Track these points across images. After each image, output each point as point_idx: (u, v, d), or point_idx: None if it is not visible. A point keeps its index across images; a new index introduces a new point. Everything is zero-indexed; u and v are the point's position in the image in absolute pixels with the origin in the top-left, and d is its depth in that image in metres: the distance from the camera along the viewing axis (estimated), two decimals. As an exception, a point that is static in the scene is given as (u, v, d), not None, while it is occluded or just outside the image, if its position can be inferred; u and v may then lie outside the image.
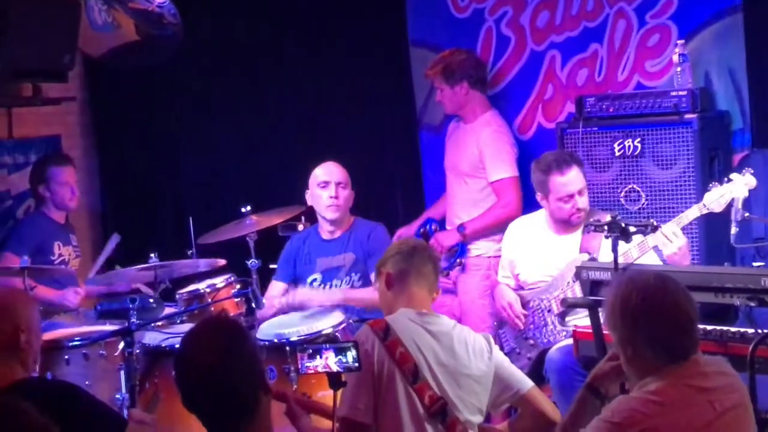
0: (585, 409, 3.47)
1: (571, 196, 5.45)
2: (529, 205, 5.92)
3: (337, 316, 5.41)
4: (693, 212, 5.02)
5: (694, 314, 3.21)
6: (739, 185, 4.88)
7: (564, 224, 5.52)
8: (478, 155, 6.21)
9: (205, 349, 2.87)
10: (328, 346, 3.41)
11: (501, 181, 6.15)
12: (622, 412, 3.14)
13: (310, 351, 3.40)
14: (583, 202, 5.47)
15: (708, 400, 3.16)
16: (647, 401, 3.14)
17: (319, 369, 3.39)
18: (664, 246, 4.98)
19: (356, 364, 3.39)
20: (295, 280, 5.97)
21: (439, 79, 6.31)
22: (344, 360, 3.38)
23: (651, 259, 5.09)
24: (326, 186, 5.87)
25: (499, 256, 6.04)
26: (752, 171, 4.90)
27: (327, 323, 5.30)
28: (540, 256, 5.58)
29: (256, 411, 2.84)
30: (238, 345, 2.87)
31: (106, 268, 6.46)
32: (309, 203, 5.96)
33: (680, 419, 3.11)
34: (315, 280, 5.88)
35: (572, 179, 5.44)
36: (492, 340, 4.06)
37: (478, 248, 6.24)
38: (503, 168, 6.16)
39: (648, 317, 3.17)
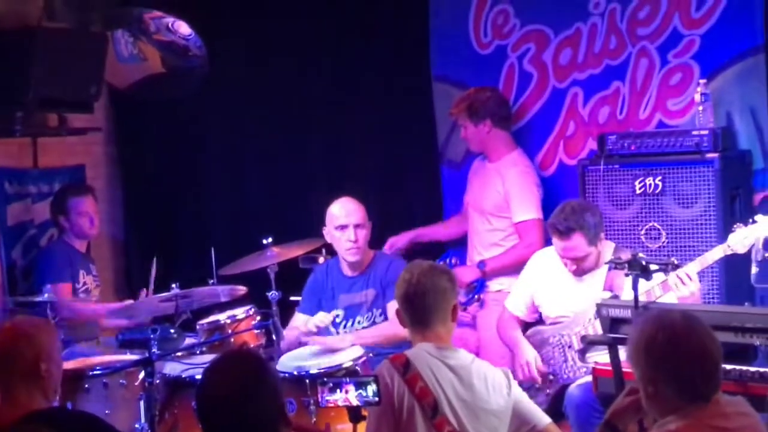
0: None
1: (568, 259, 5.51)
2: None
3: (357, 350, 5.41)
4: (717, 253, 5.01)
5: (719, 356, 3.20)
6: (764, 226, 4.87)
7: None
8: (504, 195, 6.23)
9: (226, 382, 2.89)
10: (348, 380, 3.41)
11: (525, 223, 6.17)
12: None
13: (331, 385, 3.40)
14: (582, 264, 5.50)
15: None
16: None
17: (339, 403, 3.39)
18: (677, 288, 4.97)
19: (376, 398, 3.40)
20: None
21: (464, 116, 6.34)
22: (364, 394, 3.39)
23: (674, 298, 5.08)
24: (345, 229, 5.81)
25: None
26: None
27: (347, 356, 5.30)
28: (563, 291, 5.59)
29: None
30: (259, 379, 2.89)
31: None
32: (327, 240, 5.94)
33: None
34: (338, 316, 5.87)
35: (565, 246, 5.47)
36: (511, 375, 4.06)
37: (501, 283, 6.25)
38: (528, 209, 6.18)
39: (673, 358, 3.16)
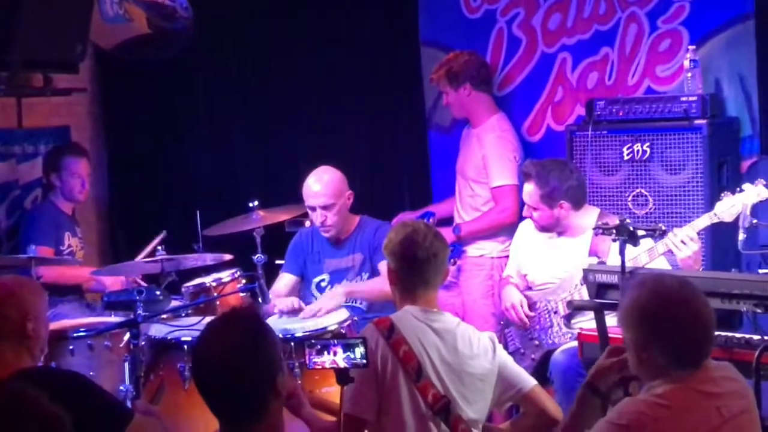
0: (585, 409, 3.48)
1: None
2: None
3: (342, 313, 5.42)
4: (703, 221, 5.01)
5: (713, 322, 3.22)
6: (751, 195, 4.87)
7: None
8: (482, 160, 6.23)
9: (221, 344, 2.86)
10: (336, 342, 3.39)
11: (501, 188, 6.18)
12: (630, 415, 3.15)
13: (318, 347, 3.38)
14: (538, 219, 5.56)
15: (716, 406, 3.16)
16: (654, 404, 3.14)
17: (327, 365, 3.38)
18: (679, 250, 4.96)
19: (364, 361, 3.38)
20: (303, 275, 5.96)
21: (444, 82, 6.33)
22: (352, 356, 3.37)
23: (660, 266, 5.08)
24: (313, 210, 5.78)
25: (503, 257, 6.07)
26: (765, 182, 4.88)
27: (332, 320, 5.31)
28: (549, 258, 5.60)
29: (265, 411, 2.83)
30: (255, 344, 2.86)
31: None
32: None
33: (687, 424, 3.12)
34: (323, 280, 5.87)
35: (524, 191, 5.58)
36: (496, 339, 4.06)
37: (482, 248, 6.26)
38: (503, 175, 6.18)
39: (669, 325, 3.17)
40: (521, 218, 5.87)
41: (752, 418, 3.25)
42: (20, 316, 3.61)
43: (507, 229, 6.15)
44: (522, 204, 5.73)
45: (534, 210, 5.54)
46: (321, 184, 5.74)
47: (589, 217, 5.49)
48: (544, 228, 5.59)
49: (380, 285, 5.45)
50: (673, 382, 3.16)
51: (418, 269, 3.97)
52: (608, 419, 3.20)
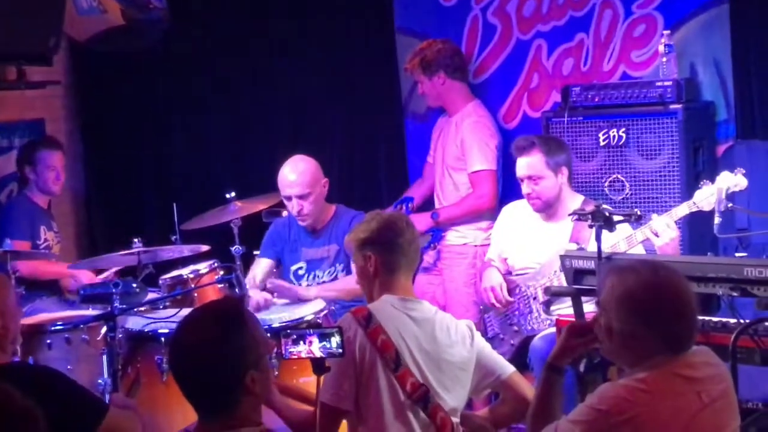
0: (551, 390, 3.49)
1: (522, 179, 5.52)
2: (515, 195, 5.91)
3: (319, 303, 5.41)
4: (682, 209, 5.01)
5: (697, 307, 3.24)
6: (727, 179, 4.87)
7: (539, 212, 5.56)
8: (460, 147, 6.22)
9: (193, 334, 2.85)
10: (312, 331, 3.38)
11: (478, 173, 6.17)
12: (609, 400, 3.15)
13: (294, 336, 3.36)
14: (535, 188, 5.50)
15: (696, 391, 3.17)
16: (635, 389, 3.14)
17: (303, 354, 3.36)
18: (657, 237, 4.97)
19: (340, 350, 3.38)
20: (280, 261, 5.95)
21: (418, 71, 6.32)
22: (328, 345, 3.36)
23: (641, 251, 5.10)
24: (289, 200, 5.75)
25: (486, 245, 6.06)
26: (744, 171, 4.88)
27: (309, 310, 5.31)
28: (529, 243, 5.60)
29: (235, 405, 2.81)
30: (226, 336, 2.84)
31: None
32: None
33: (667, 409, 3.12)
34: (300, 268, 5.86)
35: (523, 164, 5.50)
36: (474, 327, 4.04)
37: (465, 236, 6.26)
38: (480, 160, 6.17)
39: (661, 314, 3.18)
40: (504, 203, 5.88)
41: (731, 402, 3.26)
42: None
43: (485, 215, 6.15)
44: (500, 190, 5.72)
45: (539, 181, 5.48)
46: (296, 174, 5.71)
47: (574, 202, 5.49)
48: (546, 204, 5.52)
49: (352, 283, 5.44)
50: (655, 367, 3.16)
51: (402, 255, 3.96)
52: (588, 404, 3.20)
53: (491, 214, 6.07)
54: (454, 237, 6.30)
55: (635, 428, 3.11)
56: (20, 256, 5.95)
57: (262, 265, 5.92)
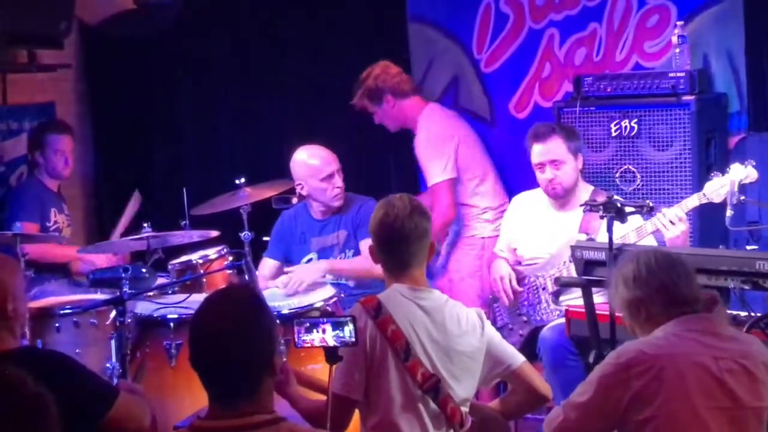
0: None
1: (542, 165, 5.48)
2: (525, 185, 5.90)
3: (329, 290, 5.41)
4: (693, 201, 5.00)
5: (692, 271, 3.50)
6: (739, 174, 4.86)
7: (555, 200, 5.54)
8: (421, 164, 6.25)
9: (222, 317, 2.82)
10: (325, 319, 3.35)
11: (433, 187, 6.15)
12: (628, 353, 3.30)
13: (307, 324, 3.34)
14: (557, 173, 5.48)
15: (713, 356, 3.28)
16: (652, 343, 3.32)
17: (316, 343, 3.34)
18: (667, 229, 4.96)
19: (353, 339, 3.36)
20: (287, 259, 5.94)
21: (366, 103, 6.29)
22: (341, 334, 3.34)
23: (648, 244, 5.08)
24: (332, 178, 5.78)
25: (493, 236, 6.05)
26: (754, 163, 4.87)
27: (318, 297, 5.31)
28: (539, 233, 5.59)
29: (258, 388, 2.80)
30: (256, 318, 2.83)
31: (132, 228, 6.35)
32: (305, 193, 5.86)
33: (685, 363, 3.25)
34: (311, 260, 5.86)
35: (543, 150, 5.47)
36: (484, 316, 4.00)
37: (474, 229, 6.24)
38: (433, 172, 6.15)
39: (649, 277, 3.40)
40: (515, 194, 5.89)
41: (755, 382, 3.31)
42: (3, 298, 3.55)
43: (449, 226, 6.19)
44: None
45: (560, 166, 5.47)
46: (327, 151, 5.82)
47: (585, 192, 5.49)
48: (566, 190, 5.50)
49: (363, 264, 5.44)
50: (673, 326, 3.34)
51: (395, 249, 3.89)
52: (606, 361, 3.35)
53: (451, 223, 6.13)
54: (463, 229, 6.28)
55: (654, 378, 3.23)
56: (30, 239, 5.94)
57: (267, 266, 5.92)
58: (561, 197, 5.54)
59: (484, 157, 6.34)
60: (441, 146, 6.16)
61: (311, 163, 5.80)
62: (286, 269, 5.71)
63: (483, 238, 6.20)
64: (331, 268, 5.63)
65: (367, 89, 6.25)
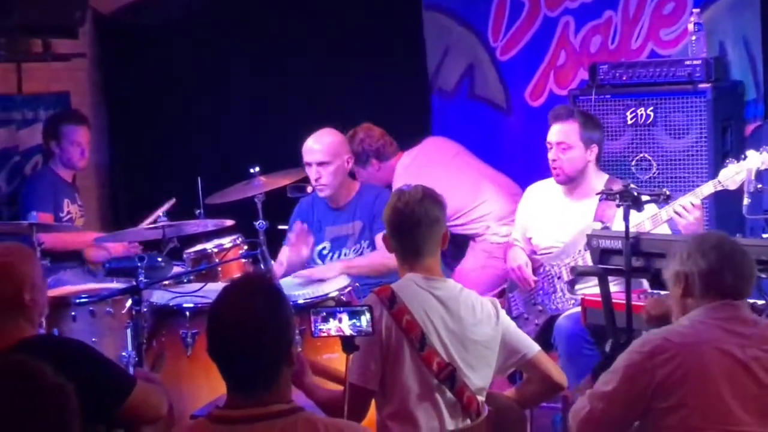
0: None
1: (551, 145, 5.49)
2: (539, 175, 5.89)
3: (343, 280, 5.40)
4: (707, 188, 4.98)
5: (747, 261, 3.46)
6: (756, 161, 4.84)
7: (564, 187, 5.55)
8: None
9: (242, 307, 2.81)
10: (342, 309, 3.35)
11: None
12: (653, 341, 3.30)
13: (324, 314, 3.34)
14: (561, 157, 5.47)
15: (740, 345, 3.28)
16: (677, 331, 3.33)
17: (333, 332, 3.34)
18: (682, 217, 4.95)
19: (370, 329, 3.35)
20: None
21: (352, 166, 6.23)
22: (358, 324, 3.33)
23: (663, 232, 5.07)
24: (309, 166, 5.77)
25: (502, 242, 6.04)
26: None
27: (333, 286, 5.29)
28: (554, 221, 5.58)
29: (276, 379, 2.79)
30: (275, 308, 2.82)
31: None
32: None
33: (709, 350, 3.25)
34: (324, 248, 5.85)
35: (556, 130, 5.48)
36: (498, 305, 3.99)
37: (484, 239, 6.20)
38: None
39: (697, 255, 3.40)
40: (528, 183, 5.85)
41: None
42: (16, 287, 3.53)
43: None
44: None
45: (567, 150, 5.45)
46: (319, 143, 5.76)
47: (599, 181, 5.47)
48: (568, 177, 5.49)
49: (378, 258, 5.43)
50: (702, 313, 3.33)
51: (406, 235, 3.87)
52: (630, 349, 3.36)
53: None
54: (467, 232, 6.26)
55: (678, 366, 3.23)
56: (46, 228, 5.95)
57: (286, 254, 5.91)
58: (563, 183, 5.53)
59: (472, 181, 6.23)
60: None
61: (304, 145, 5.81)
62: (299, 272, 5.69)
63: (493, 243, 6.17)
64: (347, 267, 5.61)
65: (353, 154, 6.17)
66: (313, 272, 5.57)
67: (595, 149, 5.48)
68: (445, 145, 6.46)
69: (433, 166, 6.21)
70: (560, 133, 5.47)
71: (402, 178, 6.06)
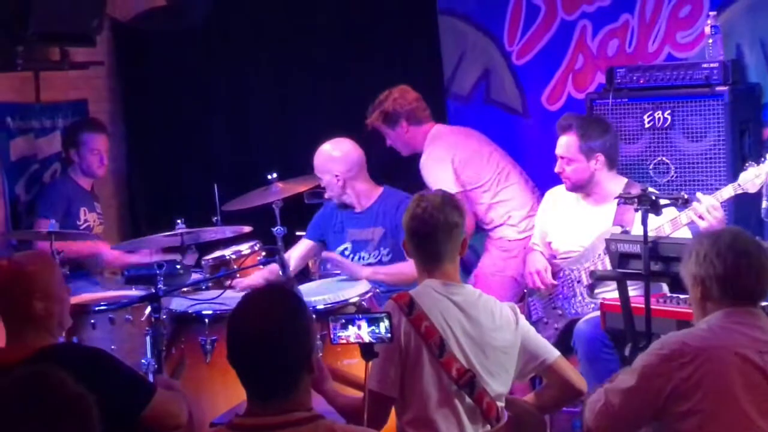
0: None
1: (557, 156, 5.52)
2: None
3: (364, 285, 5.40)
4: (727, 191, 4.96)
5: (761, 266, 3.40)
6: None
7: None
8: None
9: (261, 316, 2.82)
10: (360, 316, 3.35)
11: None
12: (672, 344, 3.31)
13: (343, 321, 3.34)
14: (566, 168, 5.48)
15: (758, 350, 3.27)
16: (696, 335, 3.33)
17: (352, 339, 3.34)
18: (702, 220, 4.92)
19: (389, 335, 3.35)
20: (323, 245, 5.94)
21: (380, 124, 6.23)
22: (377, 331, 3.33)
23: (683, 236, 5.05)
24: (321, 179, 5.81)
25: (521, 239, 6.02)
26: None
27: (353, 292, 5.29)
28: (573, 226, 5.57)
29: (296, 387, 2.80)
30: (295, 318, 2.82)
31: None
32: None
33: (728, 355, 3.24)
34: (346, 249, 5.84)
35: (559, 143, 5.51)
36: (518, 310, 3.99)
37: (500, 232, 6.19)
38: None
39: (712, 257, 3.37)
40: (546, 189, 5.86)
41: None
42: (27, 296, 3.54)
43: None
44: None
45: (570, 163, 5.47)
46: (327, 157, 5.76)
47: (616, 185, 5.45)
48: (575, 185, 5.51)
49: (403, 269, 5.41)
50: (721, 318, 3.32)
51: (425, 240, 3.88)
52: (648, 351, 3.36)
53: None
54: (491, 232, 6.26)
55: (696, 370, 3.23)
56: (64, 236, 5.96)
57: (300, 246, 5.92)
58: (572, 191, 5.56)
59: (501, 165, 6.21)
60: (437, 167, 6.11)
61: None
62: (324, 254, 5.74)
63: (510, 240, 6.16)
64: (373, 274, 5.61)
65: (383, 112, 6.19)
66: (345, 262, 5.62)
67: (600, 158, 5.44)
68: (479, 134, 6.45)
69: (469, 138, 6.28)
70: (561, 146, 5.51)
71: (437, 145, 6.14)
